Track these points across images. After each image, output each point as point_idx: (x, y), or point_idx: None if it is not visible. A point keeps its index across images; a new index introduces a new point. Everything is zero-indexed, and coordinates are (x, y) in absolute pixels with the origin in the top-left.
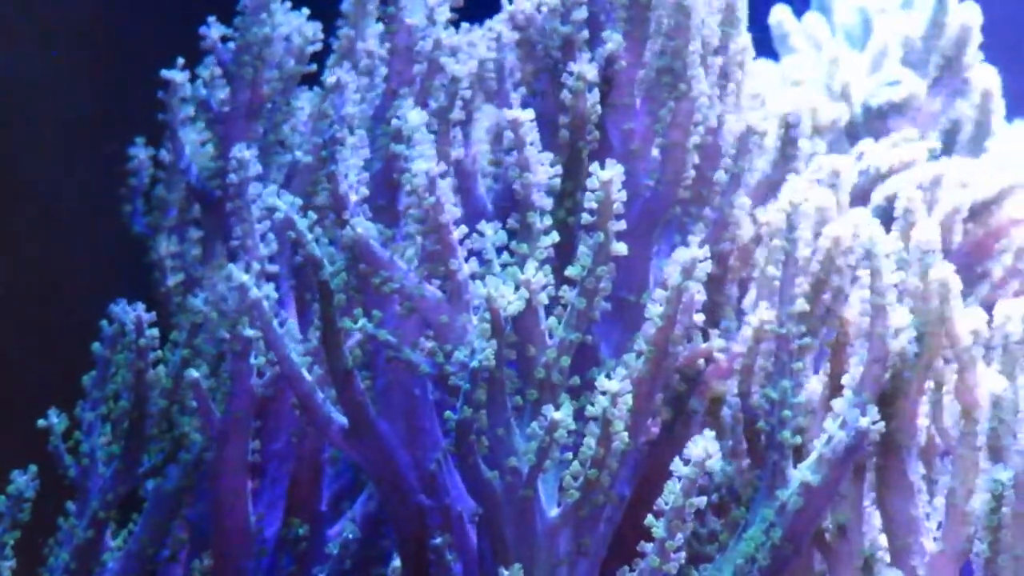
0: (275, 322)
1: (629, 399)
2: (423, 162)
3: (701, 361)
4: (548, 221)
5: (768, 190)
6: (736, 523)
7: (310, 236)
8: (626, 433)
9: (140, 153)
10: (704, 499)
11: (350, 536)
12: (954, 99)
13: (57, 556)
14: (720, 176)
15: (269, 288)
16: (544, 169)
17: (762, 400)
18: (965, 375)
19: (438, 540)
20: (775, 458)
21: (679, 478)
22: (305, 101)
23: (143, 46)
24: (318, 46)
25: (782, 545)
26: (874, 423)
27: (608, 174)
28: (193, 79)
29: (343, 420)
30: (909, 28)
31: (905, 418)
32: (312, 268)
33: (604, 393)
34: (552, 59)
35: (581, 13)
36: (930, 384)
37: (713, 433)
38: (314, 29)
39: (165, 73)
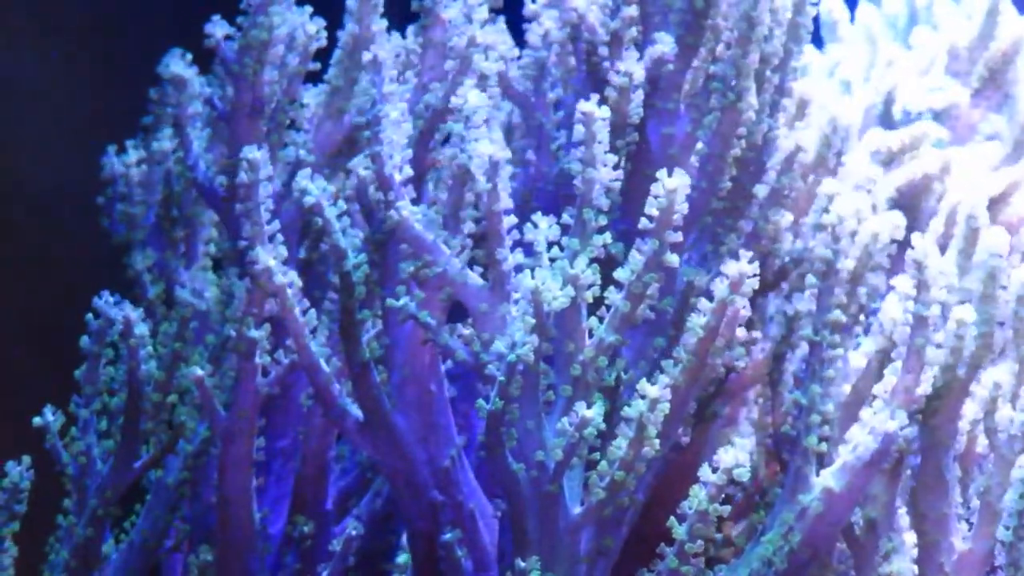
0: (297, 310)
1: (667, 406)
2: (487, 144)
3: (722, 369)
4: (603, 220)
5: (808, 201)
6: (754, 527)
7: (337, 225)
8: (658, 440)
9: (113, 161)
10: (728, 508)
11: (353, 532)
12: (994, 112)
13: (57, 554)
14: (760, 190)
15: (293, 275)
16: (608, 170)
17: (790, 405)
18: None
19: (449, 536)
20: (799, 463)
21: (705, 484)
22: (309, 98)
23: (143, 46)
24: (321, 43)
25: (800, 550)
26: (902, 428)
27: (675, 183)
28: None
29: (358, 413)
30: (956, 36)
31: (948, 416)
32: (335, 258)
33: (643, 397)
34: (598, 56)
35: (631, 10)
36: (987, 384)
37: (745, 441)
38: (317, 26)
39: (174, 70)
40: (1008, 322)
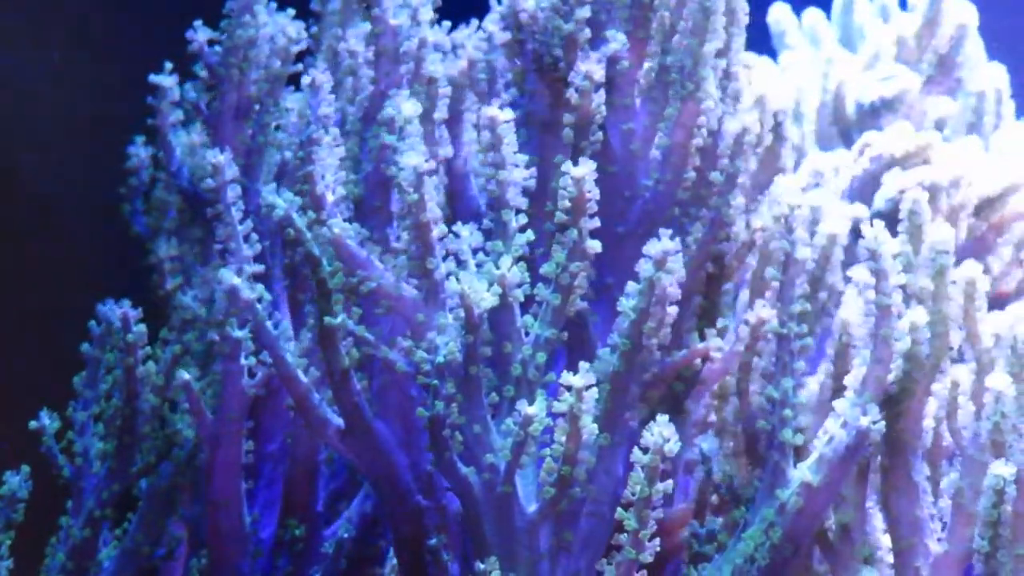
0: (269, 323)
1: (595, 392)
2: (412, 156)
3: (698, 361)
4: (523, 220)
5: (757, 189)
6: (736, 523)
7: (309, 234)
8: (595, 426)
9: (140, 152)
10: (670, 483)
11: (345, 536)
12: (945, 97)
13: (54, 556)
14: (716, 177)
15: (261, 289)
16: (519, 170)
17: (763, 400)
18: (983, 376)
19: (434, 540)
20: (776, 458)
21: (641, 467)
22: (293, 102)
23: (143, 46)
24: (302, 45)
25: (781, 545)
26: (875, 423)
27: (581, 171)
28: (183, 81)
29: (339, 421)
30: (902, 27)
31: (912, 418)
32: (310, 266)
33: (569, 389)
34: (552, 57)
35: (584, 12)
36: (946, 383)
37: (667, 417)
38: (297, 29)
39: (153, 78)
40: (959, 322)
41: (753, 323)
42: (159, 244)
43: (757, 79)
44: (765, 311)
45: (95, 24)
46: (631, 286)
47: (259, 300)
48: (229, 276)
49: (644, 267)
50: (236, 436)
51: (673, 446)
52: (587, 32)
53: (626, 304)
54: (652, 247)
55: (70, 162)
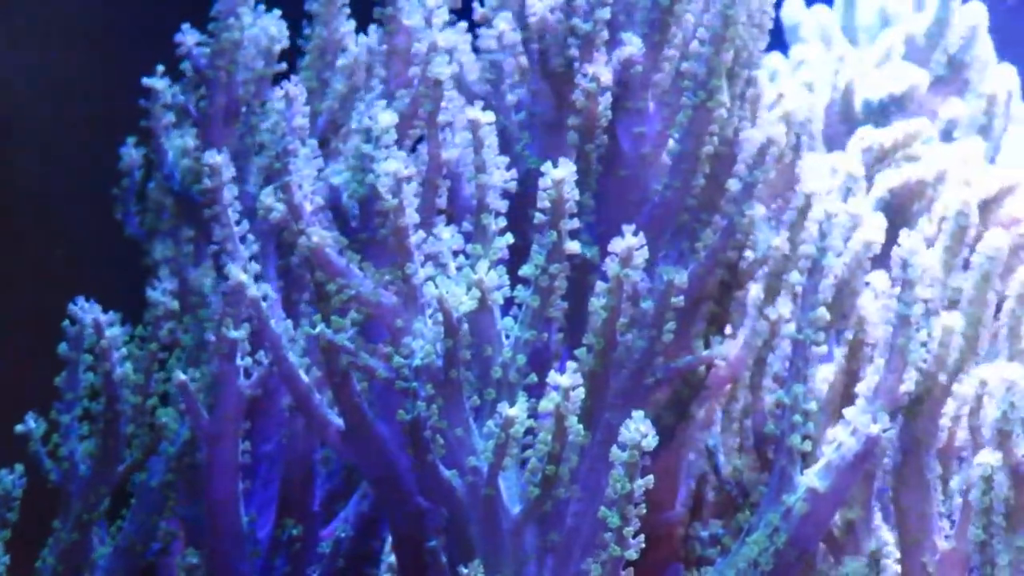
0: (273, 321)
1: (582, 392)
2: (392, 163)
3: (703, 368)
4: (502, 223)
5: (773, 194)
6: (740, 527)
7: None
8: (580, 427)
9: (131, 152)
10: (651, 478)
11: (342, 535)
12: (955, 98)
13: (44, 560)
14: (733, 184)
15: (267, 287)
16: (500, 172)
17: (773, 404)
18: None
19: (434, 542)
20: (783, 463)
21: (620, 464)
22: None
23: (143, 45)
24: (284, 44)
25: (786, 550)
26: (884, 431)
27: (561, 173)
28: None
29: (340, 422)
30: (913, 26)
31: (929, 417)
32: (309, 269)
33: (556, 388)
34: (564, 58)
35: (604, 13)
36: (974, 382)
37: (642, 413)
38: (279, 28)
39: (146, 81)
40: (1006, 320)
41: (773, 319)
42: (155, 246)
43: (781, 89)
44: (785, 307)
45: (95, 24)
46: (600, 285)
47: (264, 298)
48: (236, 272)
49: (610, 265)
50: (233, 436)
51: (650, 441)
52: (605, 33)
53: (596, 303)
54: (616, 244)
55: (70, 162)
